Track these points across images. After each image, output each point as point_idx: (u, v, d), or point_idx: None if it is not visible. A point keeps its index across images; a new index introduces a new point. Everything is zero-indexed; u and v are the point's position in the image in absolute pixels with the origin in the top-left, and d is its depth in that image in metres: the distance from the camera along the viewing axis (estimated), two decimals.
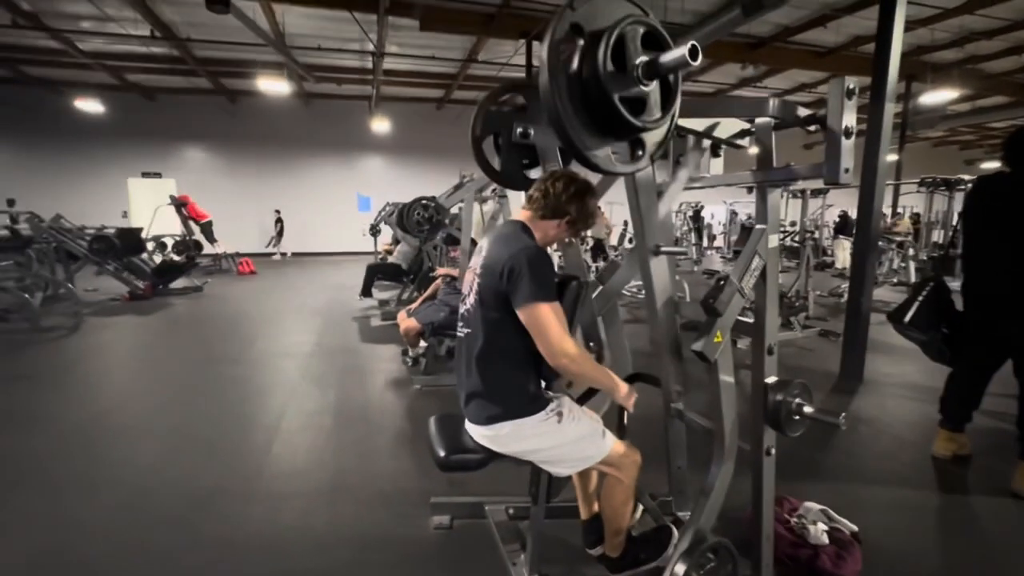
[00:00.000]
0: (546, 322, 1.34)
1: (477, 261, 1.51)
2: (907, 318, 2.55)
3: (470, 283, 1.52)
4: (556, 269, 1.53)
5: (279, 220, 12.88)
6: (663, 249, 1.44)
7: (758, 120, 1.41)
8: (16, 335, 4.94)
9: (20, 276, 5.84)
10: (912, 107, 10.12)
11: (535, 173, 1.80)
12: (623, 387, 1.52)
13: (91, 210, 10.65)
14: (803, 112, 1.32)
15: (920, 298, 2.56)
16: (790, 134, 2.76)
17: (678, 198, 1.66)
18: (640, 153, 1.08)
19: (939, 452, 2.59)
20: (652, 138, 1.11)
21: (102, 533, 1.96)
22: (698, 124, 1.48)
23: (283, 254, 12.91)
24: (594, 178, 1.49)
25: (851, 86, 1.20)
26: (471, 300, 1.49)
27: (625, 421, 1.75)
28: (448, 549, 1.88)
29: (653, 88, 1.04)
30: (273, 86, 9.61)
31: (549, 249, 1.69)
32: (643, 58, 1.00)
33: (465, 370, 1.51)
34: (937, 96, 9.30)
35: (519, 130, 1.64)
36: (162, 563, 1.80)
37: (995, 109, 12.03)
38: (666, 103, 1.06)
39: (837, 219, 11.39)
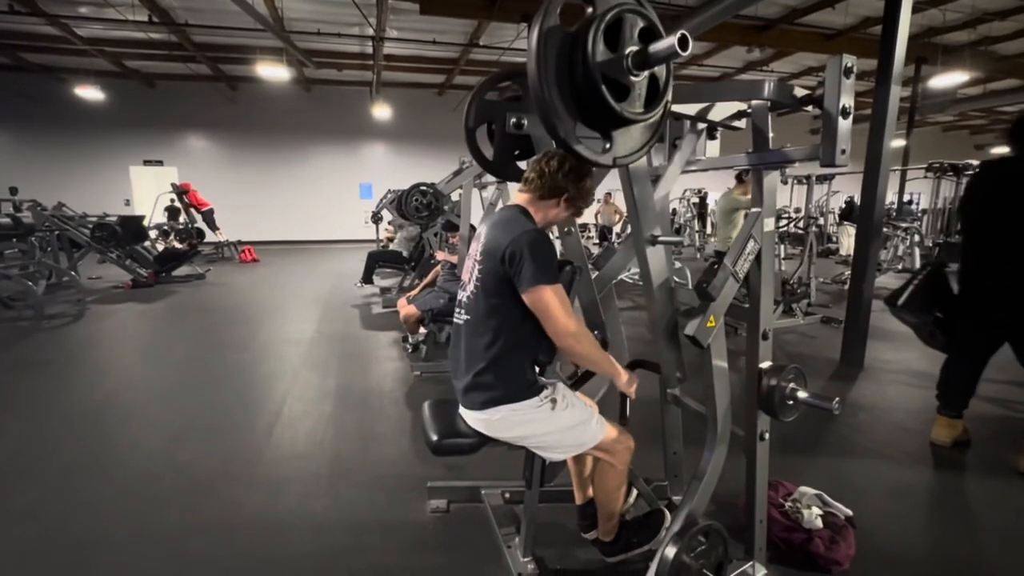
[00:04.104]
0: (550, 305, 1.34)
1: (476, 247, 1.50)
2: (900, 301, 2.55)
3: (470, 270, 1.51)
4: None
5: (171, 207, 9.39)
6: (660, 239, 1.42)
7: (754, 102, 1.38)
8: (20, 323, 4.99)
9: (24, 264, 5.88)
10: (921, 90, 9.92)
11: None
12: (624, 374, 1.51)
13: (93, 198, 10.68)
14: (800, 92, 1.29)
15: (915, 282, 2.55)
16: (796, 119, 2.71)
17: (676, 184, 1.63)
18: (608, 147, 1.08)
19: (938, 438, 2.59)
20: (626, 138, 1.11)
21: (108, 517, 1.99)
22: (693, 107, 1.45)
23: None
24: None
25: (849, 64, 1.16)
26: (471, 287, 1.48)
27: (627, 409, 1.75)
28: (444, 533, 1.90)
29: (641, 80, 1.04)
30: (273, 72, 9.52)
31: (552, 235, 1.67)
32: (634, 47, 1.01)
33: (464, 356, 1.50)
34: (947, 79, 9.11)
35: (513, 120, 1.61)
36: (166, 546, 1.83)
37: (1007, 92, 11.79)
38: (651, 101, 1.07)
39: (843, 205, 11.28)
